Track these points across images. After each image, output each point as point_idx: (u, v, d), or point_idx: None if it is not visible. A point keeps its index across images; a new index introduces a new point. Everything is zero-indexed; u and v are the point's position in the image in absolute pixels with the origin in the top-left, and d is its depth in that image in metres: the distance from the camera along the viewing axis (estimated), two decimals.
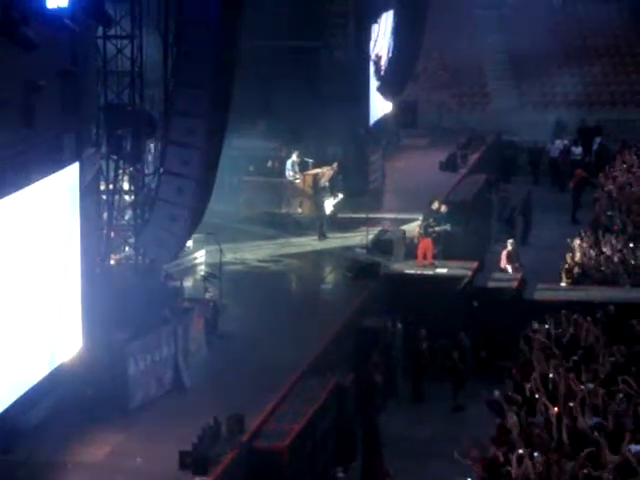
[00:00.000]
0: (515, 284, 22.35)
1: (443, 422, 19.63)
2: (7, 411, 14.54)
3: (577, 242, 24.12)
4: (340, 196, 25.05)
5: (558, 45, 36.17)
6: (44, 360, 15.56)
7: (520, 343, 18.49)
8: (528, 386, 16.29)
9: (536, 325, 19.05)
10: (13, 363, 14.65)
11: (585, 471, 13.52)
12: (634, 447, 14.04)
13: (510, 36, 36.48)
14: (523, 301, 21.94)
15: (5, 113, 14.64)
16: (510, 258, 23.69)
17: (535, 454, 13.98)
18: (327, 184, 25.00)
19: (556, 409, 15.25)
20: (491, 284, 22.48)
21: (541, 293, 22.25)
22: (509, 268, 23.56)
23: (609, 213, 25.99)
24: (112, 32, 18.02)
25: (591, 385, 15.95)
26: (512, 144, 33.96)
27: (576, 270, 23.16)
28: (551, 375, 16.33)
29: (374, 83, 28.91)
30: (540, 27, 35.01)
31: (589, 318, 19.09)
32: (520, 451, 13.99)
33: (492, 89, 36.62)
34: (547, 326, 18.89)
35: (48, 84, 15.50)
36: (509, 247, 23.90)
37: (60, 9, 15.21)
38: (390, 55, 29.47)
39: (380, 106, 29.81)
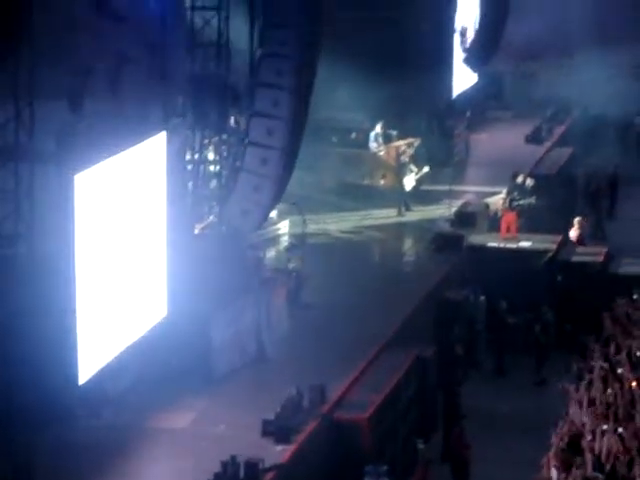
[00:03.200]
0: (600, 258, 22.11)
1: (525, 396, 19.53)
2: (95, 377, 14.80)
3: None
4: (426, 169, 24.84)
5: None
6: (131, 328, 15.80)
7: (605, 317, 18.30)
8: (613, 360, 16.13)
9: (621, 299, 18.84)
10: (102, 330, 14.90)
11: None
12: None
13: (598, 5, 35.81)
14: (608, 275, 21.70)
15: (95, 83, 14.84)
16: (580, 238, 23.20)
17: (619, 429, 13.86)
18: (407, 160, 24.88)
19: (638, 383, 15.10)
20: (575, 258, 22.26)
21: (627, 268, 21.98)
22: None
23: None
24: (199, 4, 18.15)
25: None
26: (599, 116, 33.42)
27: None
28: (638, 353, 16.16)
29: (458, 54, 28.65)
30: None
31: None
32: (605, 426, 13.88)
33: (579, 60, 36.02)
34: (632, 300, 18.67)
35: (137, 55, 15.68)
36: (576, 227, 23.29)
37: None
38: (477, 26, 29.17)
39: (465, 77, 29.55)
